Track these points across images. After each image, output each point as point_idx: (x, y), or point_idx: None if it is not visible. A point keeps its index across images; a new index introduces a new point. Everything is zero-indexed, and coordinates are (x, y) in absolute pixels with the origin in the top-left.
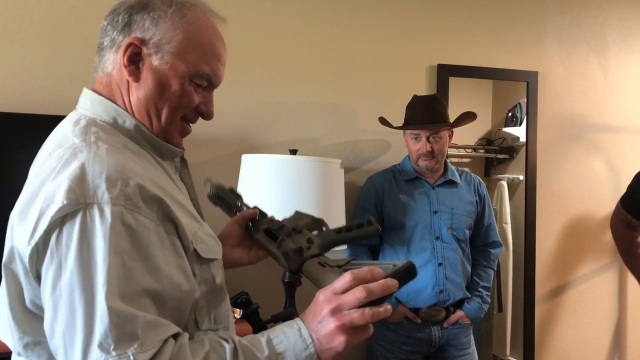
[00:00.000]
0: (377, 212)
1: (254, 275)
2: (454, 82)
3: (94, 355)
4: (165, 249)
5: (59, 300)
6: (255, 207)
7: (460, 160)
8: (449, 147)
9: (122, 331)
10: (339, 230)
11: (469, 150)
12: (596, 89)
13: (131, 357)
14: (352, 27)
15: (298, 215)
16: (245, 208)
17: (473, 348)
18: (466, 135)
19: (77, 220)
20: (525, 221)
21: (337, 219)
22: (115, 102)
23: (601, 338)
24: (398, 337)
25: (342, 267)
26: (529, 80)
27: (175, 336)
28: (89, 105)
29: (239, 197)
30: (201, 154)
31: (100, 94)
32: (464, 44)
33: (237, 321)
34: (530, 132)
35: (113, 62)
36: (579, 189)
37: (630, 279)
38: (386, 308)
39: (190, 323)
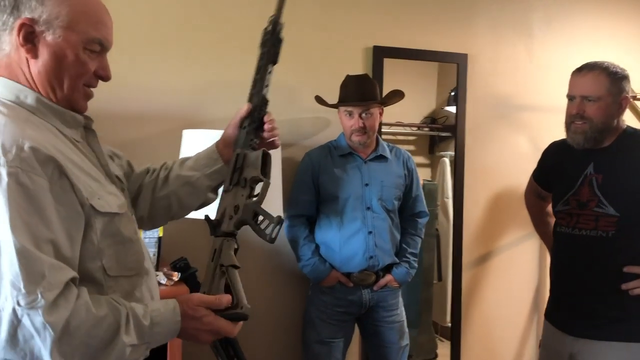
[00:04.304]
0: (314, 185)
1: (194, 242)
2: (399, 64)
3: (3, 294)
4: (59, 204)
5: None
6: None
7: (406, 137)
8: (395, 125)
9: (31, 271)
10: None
11: (414, 129)
12: (522, 71)
13: (39, 295)
14: (292, 10)
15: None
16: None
17: (401, 309)
18: (412, 114)
19: None
20: (453, 194)
21: (274, 193)
22: (17, 81)
23: (522, 301)
24: (331, 299)
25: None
26: (459, 62)
27: (74, 281)
28: None
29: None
30: (144, 129)
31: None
32: (399, 26)
33: (176, 283)
34: (460, 111)
35: (9, 43)
36: (505, 165)
37: None
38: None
39: (98, 270)
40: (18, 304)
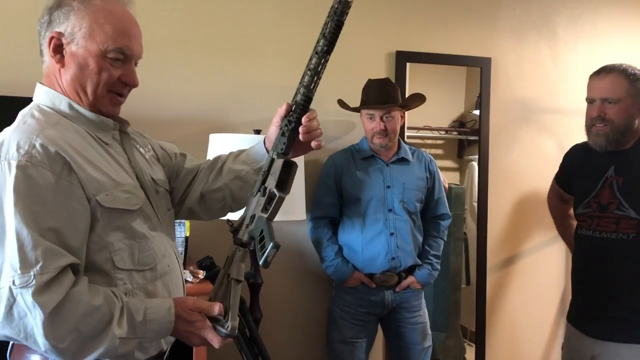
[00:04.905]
0: (337, 188)
1: (220, 242)
2: (427, 68)
3: (3, 274)
4: (66, 197)
5: None
6: (291, 104)
7: (434, 141)
8: (423, 129)
9: (27, 254)
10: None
11: (442, 132)
12: (546, 74)
13: (32, 277)
14: (314, 15)
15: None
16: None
17: (424, 311)
18: (440, 118)
19: None
20: (478, 198)
21: (297, 196)
22: (54, 89)
23: (549, 305)
24: (354, 300)
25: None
26: (482, 65)
27: (74, 267)
28: (37, 95)
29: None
30: (172, 133)
31: (44, 85)
32: (421, 31)
33: (201, 281)
34: (484, 115)
35: (47, 55)
36: (529, 168)
37: None
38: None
39: (106, 262)
40: (13, 283)
